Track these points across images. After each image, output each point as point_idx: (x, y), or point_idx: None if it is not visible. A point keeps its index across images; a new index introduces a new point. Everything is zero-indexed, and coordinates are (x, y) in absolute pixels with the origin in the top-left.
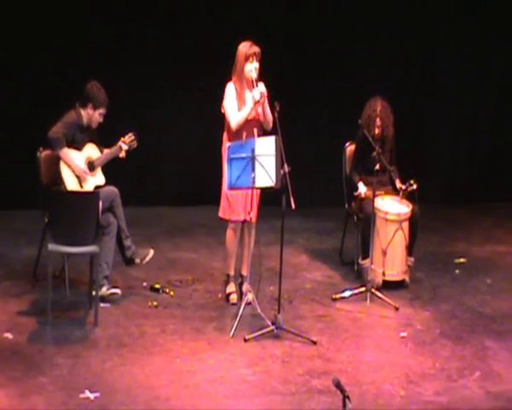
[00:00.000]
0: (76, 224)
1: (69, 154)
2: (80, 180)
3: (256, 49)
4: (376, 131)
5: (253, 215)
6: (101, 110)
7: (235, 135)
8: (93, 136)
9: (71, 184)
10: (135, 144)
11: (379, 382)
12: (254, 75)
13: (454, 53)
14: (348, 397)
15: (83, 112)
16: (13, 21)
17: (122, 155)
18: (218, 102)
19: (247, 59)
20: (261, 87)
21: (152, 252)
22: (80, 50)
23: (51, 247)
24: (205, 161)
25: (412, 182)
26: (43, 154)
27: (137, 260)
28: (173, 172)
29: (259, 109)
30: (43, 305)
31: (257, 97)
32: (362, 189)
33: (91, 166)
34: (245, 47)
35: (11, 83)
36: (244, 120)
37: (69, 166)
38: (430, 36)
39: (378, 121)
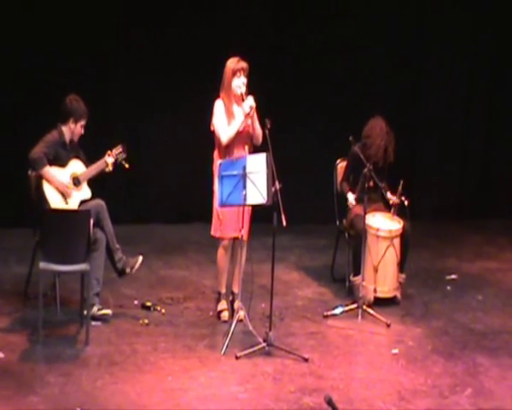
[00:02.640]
0: (67, 242)
1: (51, 172)
2: (65, 196)
3: (243, 64)
4: (377, 160)
5: (245, 233)
6: (83, 122)
7: (226, 152)
8: (78, 152)
9: (55, 201)
10: (123, 156)
11: (371, 399)
12: (242, 90)
13: (444, 68)
14: None
15: (64, 128)
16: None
17: (108, 168)
18: (209, 119)
19: (234, 74)
20: (250, 100)
21: (141, 258)
22: (72, 67)
23: (42, 265)
24: (196, 179)
25: (403, 198)
26: (34, 173)
27: (128, 270)
28: (165, 190)
29: (249, 121)
30: (34, 323)
31: (247, 110)
32: (351, 198)
33: (76, 181)
34: (232, 62)
35: (0, 101)
36: (234, 134)
37: (52, 183)
38: (419, 52)
39: (382, 151)
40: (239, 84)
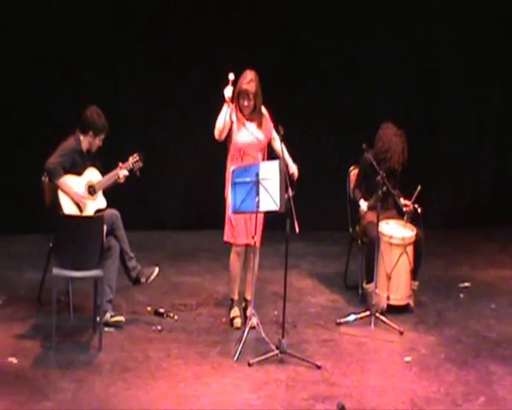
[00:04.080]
0: (80, 248)
1: (67, 182)
2: (80, 207)
3: (247, 87)
4: (394, 164)
5: (257, 239)
6: (102, 136)
7: (236, 159)
8: (93, 161)
9: (70, 211)
10: (139, 165)
11: (383, 406)
12: (245, 112)
13: (458, 77)
14: None
15: (83, 138)
16: (11, 40)
17: (121, 181)
18: None
19: (239, 93)
20: (228, 90)
21: (157, 270)
22: (83, 74)
23: (56, 271)
24: (209, 186)
25: (417, 206)
26: (47, 178)
27: (143, 280)
28: (177, 197)
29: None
30: (48, 329)
31: (226, 96)
32: (363, 205)
33: (92, 190)
34: (241, 81)
35: (11, 105)
36: (223, 126)
37: (68, 194)
38: (433, 59)
39: (399, 156)
40: (243, 103)
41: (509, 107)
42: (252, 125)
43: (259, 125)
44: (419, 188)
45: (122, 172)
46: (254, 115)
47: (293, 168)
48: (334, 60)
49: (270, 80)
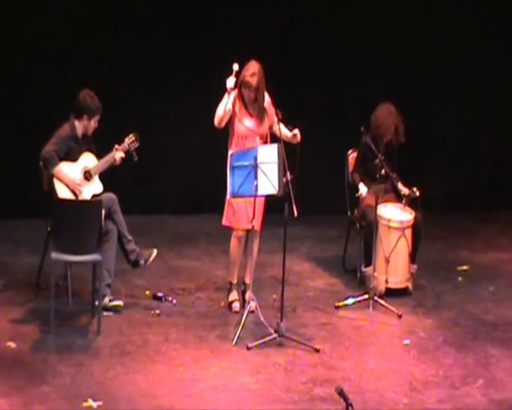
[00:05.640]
0: (79, 232)
1: (62, 170)
2: (76, 194)
3: (250, 80)
4: (389, 137)
5: (257, 223)
6: (96, 118)
7: (237, 145)
8: (89, 144)
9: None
10: (135, 145)
11: (382, 389)
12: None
13: (459, 57)
14: (351, 405)
15: (77, 123)
16: (13, 26)
17: (117, 163)
18: None
19: (241, 83)
20: (231, 80)
21: (155, 252)
22: (81, 58)
23: (54, 256)
24: (208, 169)
25: (415, 189)
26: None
27: (142, 262)
28: (176, 181)
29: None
30: (46, 314)
31: (228, 86)
32: (363, 189)
33: (88, 174)
34: (244, 72)
35: (10, 90)
36: (222, 114)
37: (63, 181)
38: (432, 45)
39: (393, 129)
40: (245, 93)
41: (508, 91)
42: (251, 118)
43: (259, 118)
44: (415, 190)
45: (118, 154)
46: (255, 107)
47: (294, 131)
48: (332, 43)
49: (268, 61)
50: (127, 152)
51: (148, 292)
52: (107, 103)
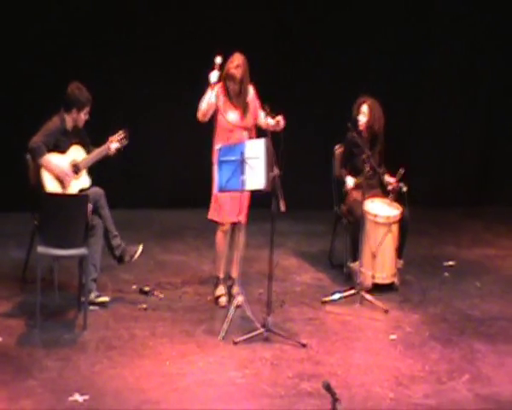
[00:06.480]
0: (65, 226)
1: (50, 160)
2: (63, 185)
3: (234, 72)
4: (363, 119)
5: (243, 218)
6: (86, 109)
7: (222, 138)
8: (81, 136)
9: (53, 189)
10: (125, 142)
11: (368, 384)
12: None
13: (444, 54)
14: (338, 400)
15: (67, 117)
16: (12, 26)
17: (111, 152)
18: None
19: (226, 76)
20: (214, 74)
21: (141, 248)
22: (70, 52)
23: (40, 249)
24: (195, 164)
25: (402, 185)
26: (30, 157)
27: (127, 258)
28: (164, 175)
29: (213, 98)
30: (32, 308)
31: (211, 81)
32: (349, 181)
33: (76, 168)
34: (228, 64)
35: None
36: (206, 109)
37: (51, 172)
38: (418, 37)
39: (365, 109)
40: (229, 86)
41: (497, 80)
42: (235, 110)
43: (243, 111)
44: (401, 171)
45: (113, 145)
46: (240, 99)
47: (277, 118)
48: (319, 39)
49: (255, 56)
50: (115, 149)
51: (134, 286)
52: (93, 97)
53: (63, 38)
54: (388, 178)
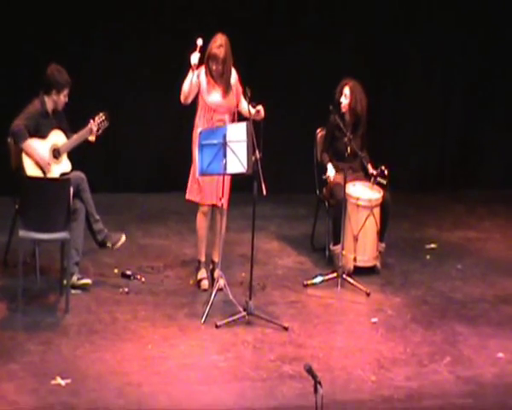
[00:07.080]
0: (47, 210)
1: (32, 145)
2: (44, 171)
3: (216, 51)
4: (345, 101)
5: (225, 201)
6: (65, 92)
7: (205, 119)
8: (61, 120)
9: (33, 174)
10: (106, 124)
11: (350, 367)
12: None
13: (425, 39)
14: (319, 383)
15: (47, 99)
16: None
17: (92, 138)
18: None
19: (208, 57)
20: (195, 56)
21: (124, 237)
22: (52, 38)
23: (22, 233)
24: (177, 148)
25: (383, 168)
26: (12, 141)
27: (109, 245)
28: (145, 159)
29: (194, 79)
30: (14, 292)
31: (192, 62)
32: (330, 172)
33: (57, 153)
34: (211, 44)
35: None
36: (188, 91)
37: (32, 157)
38: (400, 24)
39: (347, 91)
40: (212, 66)
41: (477, 66)
42: (218, 90)
43: (226, 91)
44: (384, 168)
45: (94, 127)
46: (222, 80)
47: (257, 107)
48: (300, 19)
49: (238, 38)
50: (97, 131)
51: (116, 270)
52: (76, 81)
53: (43, 21)
54: (371, 169)
